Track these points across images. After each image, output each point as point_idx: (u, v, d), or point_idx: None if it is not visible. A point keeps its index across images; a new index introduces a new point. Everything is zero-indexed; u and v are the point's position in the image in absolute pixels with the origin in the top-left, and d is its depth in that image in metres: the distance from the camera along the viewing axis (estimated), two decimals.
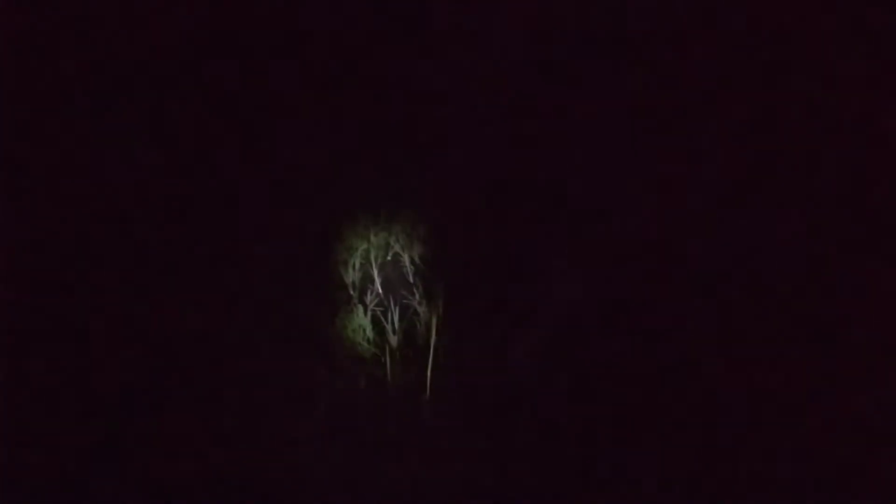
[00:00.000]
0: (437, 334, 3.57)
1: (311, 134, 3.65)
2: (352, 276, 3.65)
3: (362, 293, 3.64)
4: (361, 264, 3.66)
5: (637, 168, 3.63)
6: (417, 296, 3.63)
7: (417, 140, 3.64)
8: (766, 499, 3.33)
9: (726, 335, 3.52)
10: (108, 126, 3.60)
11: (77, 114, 3.61)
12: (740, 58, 3.65)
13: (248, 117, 3.63)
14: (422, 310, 3.61)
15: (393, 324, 3.60)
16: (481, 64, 3.66)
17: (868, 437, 3.35)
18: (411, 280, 3.65)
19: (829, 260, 3.52)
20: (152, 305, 3.51)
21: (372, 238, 3.67)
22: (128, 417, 3.40)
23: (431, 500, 3.37)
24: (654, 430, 3.45)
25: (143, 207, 3.59)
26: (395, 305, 3.62)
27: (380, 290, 3.64)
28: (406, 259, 3.67)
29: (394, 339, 3.58)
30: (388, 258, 3.67)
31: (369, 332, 3.60)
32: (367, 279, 3.65)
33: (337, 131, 3.66)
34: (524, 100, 3.65)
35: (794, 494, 3.32)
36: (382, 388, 3.55)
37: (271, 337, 3.55)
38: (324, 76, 3.71)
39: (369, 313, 3.61)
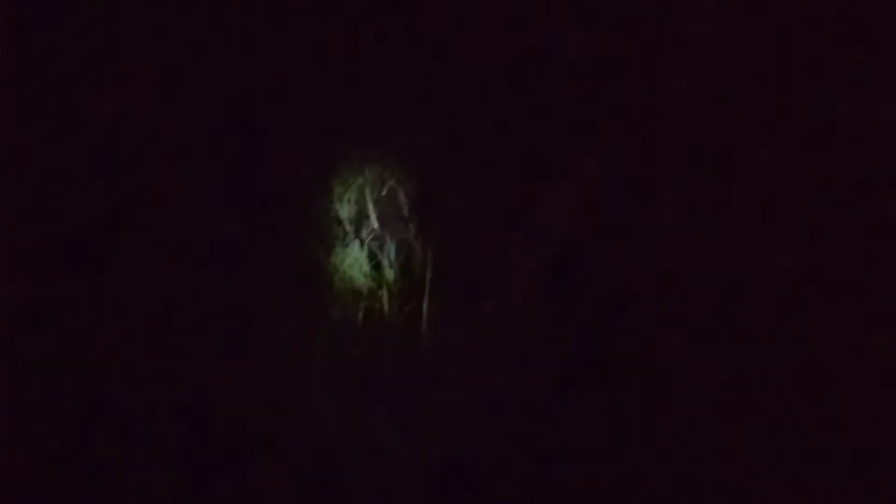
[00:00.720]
0: (433, 268, 3.57)
1: (306, 70, 3.63)
2: (347, 210, 3.65)
3: (358, 228, 3.64)
4: (356, 198, 3.65)
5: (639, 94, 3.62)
6: (413, 230, 3.63)
7: (413, 73, 3.62)
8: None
9: (736, 269, 3.51)
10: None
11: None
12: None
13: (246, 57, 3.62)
14: (418, 244, 3.61)
15: (389, 258, 3.60)
16: None
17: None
18: (407, 214, 3.64)
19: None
20: (146, 236, 3.53)
21: (367, 172, 3.66)
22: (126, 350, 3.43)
23: (429, 432, 3.40)
24: (656, 362, 3.46)
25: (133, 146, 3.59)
26: (391, 239, 3.62)
27: (375, 225, 3.64)
28: (401, 193, 3.66)
29: (390, 273, 3.59)
30: (384, 192, 3.66)
31: (366, 267, 3.61)
32: (362, 214, 3.65)
33: (332, 66, 3.64)
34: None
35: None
36: (380, 321, 3.57)
37: (268, 271, 3.56)
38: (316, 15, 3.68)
39: (366, 248, 3.62)
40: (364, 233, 3.63)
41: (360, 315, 3.58)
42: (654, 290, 3.54)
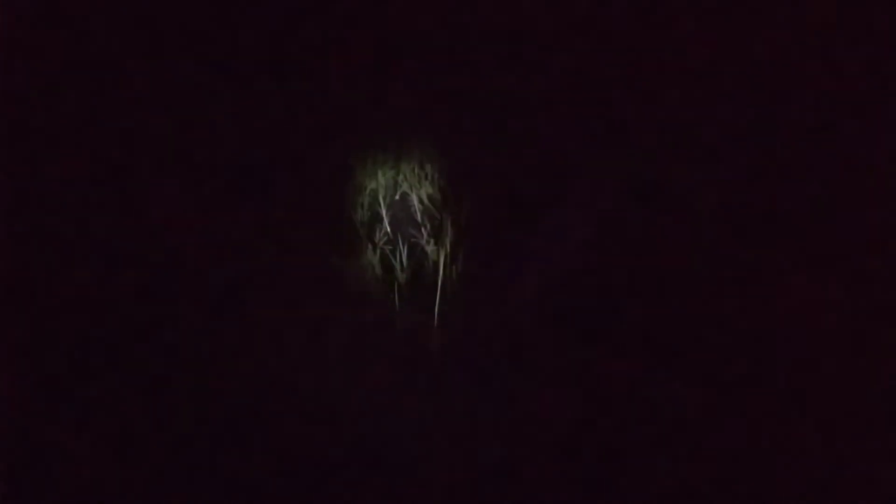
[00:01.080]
0: (444, 272, 3.60)
1: (320, 72, 3.69)
2: (360, 214, 3.69)
3: (371, 231, 3.68)
4: (370, 203, 3.70)
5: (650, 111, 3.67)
6: (425, 234, 3.67)
7: (425, 77, 3.69)
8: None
9: (749, 274, 3.54)
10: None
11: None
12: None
13: (259, 53, 3.68)
14: (430, 248, 3.65)
15: (401, 261, 3.64)
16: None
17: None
18: (419, 219, 3.69)
19: None
20: (161, 235, 3.57)
21: (380, 177, 3.71)
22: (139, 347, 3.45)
23: (438, 435, 3.40)
24: (664, 373, 3.47)
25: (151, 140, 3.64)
26: (403, 244, 3.66)
27: (388, 229, 3.68)
28: (414, 198, 3.71)
29: (402, 277, 3.63)
30: (397, 197, 3.71)
31: (378, 270, 3.64)
32: (375, 218, 3.70)
33: (346, 70, 3.70)
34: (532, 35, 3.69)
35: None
36: (391, 325, 3.59)
37: (281, 274, 3.59)
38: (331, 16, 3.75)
39: (378, 251, 3.66)
40: (377, 237, 3.67)
41: (372, 316, 3.60)
42: (664, 295, 3.57)
